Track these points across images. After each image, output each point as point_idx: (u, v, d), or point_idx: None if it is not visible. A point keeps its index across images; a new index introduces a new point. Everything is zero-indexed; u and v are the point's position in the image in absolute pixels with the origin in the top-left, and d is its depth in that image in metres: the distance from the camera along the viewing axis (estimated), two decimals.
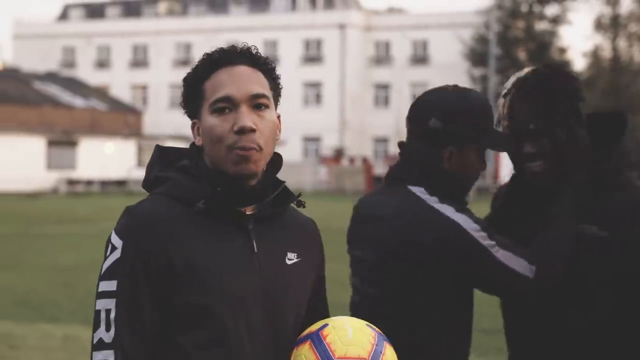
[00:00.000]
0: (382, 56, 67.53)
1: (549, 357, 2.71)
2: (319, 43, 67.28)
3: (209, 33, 68.72)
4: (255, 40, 59.49)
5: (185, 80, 2.30)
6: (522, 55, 57.31)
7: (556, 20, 57.42)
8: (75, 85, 60.26)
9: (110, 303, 2.16)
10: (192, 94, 2.28)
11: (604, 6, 58.69)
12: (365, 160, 53.88)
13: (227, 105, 2.22)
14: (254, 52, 2.31)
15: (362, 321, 2.30)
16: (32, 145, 49.74)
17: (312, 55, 67.19)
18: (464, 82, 61.39)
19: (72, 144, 52.30)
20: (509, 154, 2.77)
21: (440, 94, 2.78)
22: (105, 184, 51.30)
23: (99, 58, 72.75)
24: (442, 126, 2.72)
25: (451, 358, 2.77)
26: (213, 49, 2.32)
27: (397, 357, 2.28)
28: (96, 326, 2.17)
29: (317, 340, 2.22)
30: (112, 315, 2.15)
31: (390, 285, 2.72)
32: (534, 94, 2.67)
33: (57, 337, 9.07)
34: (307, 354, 2.22)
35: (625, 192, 2.64)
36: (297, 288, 2.32)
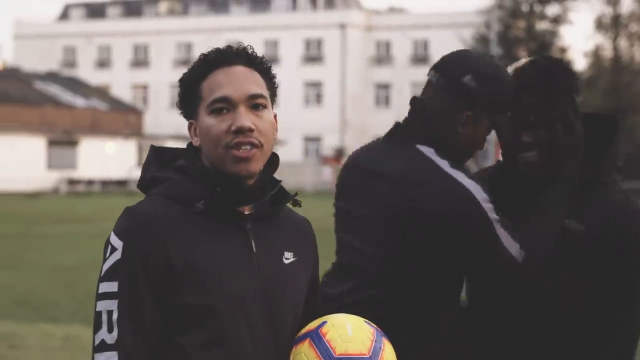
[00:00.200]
0: (382, 56, 67.53)
1: None
2: (319, 43, 67.29)
3: (210, 33, 68.71)
4: (255, 40, 59.70)
5: (181, 80, 2.31)
6: (523, 55, 57.27)
7: (557, 20, 57.40)
8: (76, 85, 60.27)
9: (111, 304, 2.16)
10: (189, 95, 2.29)
11: (604, 6, 58.68)
12: None
13: (224, 106, 2.23)
14: (249, 51, 2.30)
15: (360, 318, 2.31)
16: (33, 145, 49.74)
17: (313, 55, 67.19)
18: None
19: (72, 143, 52.31)
20: (502, 142, 2.78)
21: (479, 56, 2.78)
22: (105, 183, 51.31)
23: (100, 58, 72.76)
24: (476, 86, 2.68)
25: (444, 334, 2.71)
26: (209, 49, 2.32)
27: (394, 340, 2.30)
28: (97, 327, 2.17)
29: (316, 338, 2.23)
30: (114, 316, 2.15)
31: (393, 246, 2.65)
32: (533, 84, 2.68)
33: (57, 337, 9.06)
34: (307, 352, 2.22)
35: (609, 192, 2.70)
36: (295, 287, 2.32)
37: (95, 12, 76.62)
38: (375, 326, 2.30)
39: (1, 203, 35.65)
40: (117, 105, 59.95)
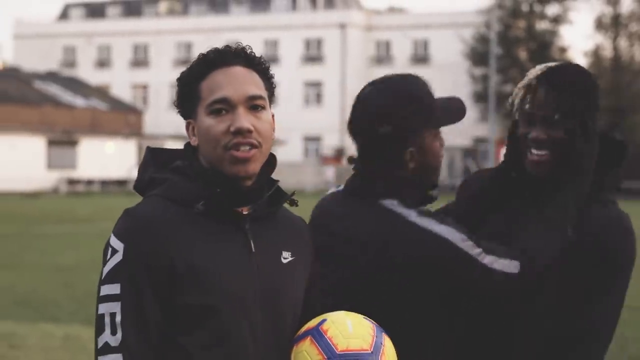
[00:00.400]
0: (382, 56, 67.53)
1: None
2: (319, 43, 67.29)
3: (210, 33, 68.72)
4: (255, 40, 59.72)
5: (179, 80, 2.30)
6: (522, 54, 57.33)
7: (557, 20, 57.43)
8: (76, 85, 60.26)
9: (114, 306, 2.16)
10: (187, 94, 2.29)
11: (604, 6, 58.69)
12: None
13: (224, 107, 2.23)
14: (248, 52, 2.30)
15: (359, 315, 2.31)
16: (33, 145, 49.75)
17: (313, 54, 67.20)
18: (464, 81, 61.57)
19: (72, 143, 52.31)
20: (510, 137, 2.75)
21: (374, 99, 2.63)
22: (105, 183, 51.31)
23: (100, 58, 72.76)
24: (392, 129, 2.57)
25: None
26: (208, 49, 2.32)
27: None
28: (100, 330, 2.16)
29: (317, 336, 2.23)
30: (118, 318, 2.15)
31: (373, 308, 2.49)
32: (564, 85, 2.68)
33: (57, 336, 9.07)
34: (308, 349, 2.23)
35: (607, 209, 2.71)
36: (294, 286, 2.33)
37: (95, 12, 76.63)
38: (374, 322, 2.31)
39: (1, 203, 35.65)
40: (117, 105, 59.95)
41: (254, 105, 2.24)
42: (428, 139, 2.61)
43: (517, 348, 2.71)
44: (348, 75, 65.57)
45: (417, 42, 66.47)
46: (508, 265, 2.53)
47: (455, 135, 56.66)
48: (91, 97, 58.45)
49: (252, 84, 2.26)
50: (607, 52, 59.63)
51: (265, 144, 2.24)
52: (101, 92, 62.43)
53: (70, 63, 72.71)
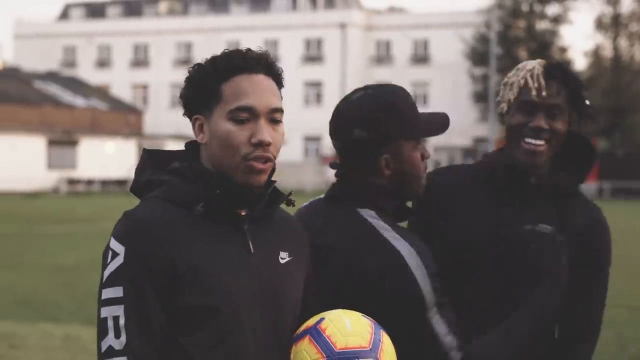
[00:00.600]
0: (382, 55, 67.54)
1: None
2: (319, 42, 67.30)
3: (210, 32, 68.75)
4: (255, 40, 59.67)
5: (195, 75, 2.27)
6: (523, 54, 57.30)
7: (557, 20, 57.45)
8: (76, 85, 60.28)
9: (117, 310, 2.15)
10: (205, 92, 2.25)
11: (604, 6, 58.72)
12: None
13: (247, 116, 2.22)
14: (270, 60, 2.30)
15: (357, 312, 2.32)
16: (33, 145, 49.76)
17: (313, 54, 67.21)
18: (464, 81, 61.65)
19: (72, 143, 52.32)
20: (508, 125, 2.76)
21: (353, 102, 2.59)
22: (105, 183, 51.34)
23: (100, 57, 72.78)
24: (367, 135, 2.54)
25: None
26: (230, 49, 2.30)
27: None
28: (103, 334, 2.15)
29: (316, 335, 2.24)
30: (122, 322, 2.14)
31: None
32: (570, 79, 2.74)
33: (57, 336, 9.07)
34: (307, 348, 2.23)
35: (587, 205, 2.79)
36: (292, 287, 2.33)
37: (95, 12, 76.65)
38: (372, 319, 2.31)
39: (1, 203, 35.66)
40: (117, 105, 59.96)
41: (274, 118, 2.25)
42: (406, 148, 2.57)
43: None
44: (348, 75, 65.57)
45: (417, 42, 66.48)
46: (450, 345, 2.47)
47: (455, 135, 56.70)
48: (91, 97, 58.47)
49: (274, 95, 2.26)
50: (607, 52, 59.66)
51: (277, 156, 2.27)
52: (101, 92, 62.45)
53: (71, 63, 72.73)
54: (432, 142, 59.17)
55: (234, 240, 2.25)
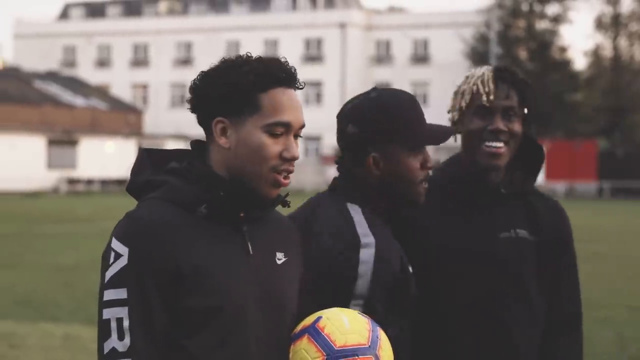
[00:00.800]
0: (382, 55, 67.55)
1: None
2: (319, 42, 67.30)
3: (210, 32, 68.74)
4: (255, 40, 59.71)
5: (230, 78, 2.22)
6: (522, 54, 57.34)
7: (557, 19, 57.45)
8: (76, 85, 60.29)
9: (121, 311, 2.14)
10: (239, 98, 2.22)
11: (604, 5, 58.72)
12: None
13: (283, 131, 2.23)
14: (296, 74, 2.31)
15: (353, 310, 2.34)
16: (33, 145, 49.76)
17: (313, 54, 67.22)
18: None
19: (72, 143, 52.32)
20: (467, 131, 2.81)
21: (357, 99, 2.69)
22: (105, 183, 51.34)
23: (100, 57, 72.78)
24: (358, 131, 2.61)
25: None
26: (265, 57, 2.26)
27: None
28: (106, 336, 2.14)
29: (315, 333, 2.24)
30: (125, 323, 2.13)
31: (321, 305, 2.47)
32: (521, 82, 2.84)
33: (57, 336, 9.07)
34: (306, 347, 2.23)
35: (546, 201, 2.91)
36: (289, 287, 2.34)
37: (95, 12, 76.66)
38: (368, 316, 2.32)
39: (1, 203, 35.66)
40: (117, 105, 59.97)
41: (298, 134, 2.28)
42: (400, 152, 2.61)
43: (516, 336, 2.78)
44: (348, 75, 65.59)
45: (417, 41, 66.48)
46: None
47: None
48: (91, 97, 58.47)
49: (302, 112, 2.29)
50: (607, 52, 59.66)
51: None
52: (101, 92, 62.45)
53: (70, 63, 72.73)
54: None
55: (234, 241, 2.25)
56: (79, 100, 56.37)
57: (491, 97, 2.78)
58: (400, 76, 65.70)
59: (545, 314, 2.83)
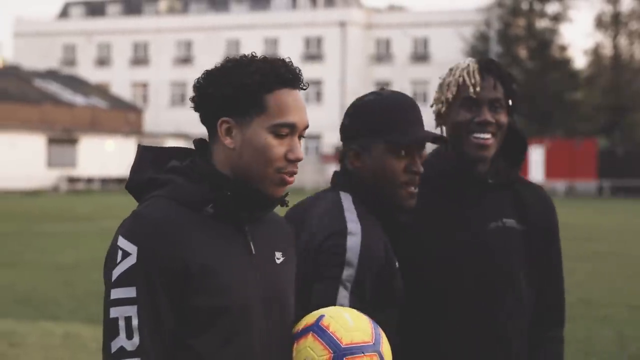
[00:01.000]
0: (382, 54, 67.55)
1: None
2: (319, 41, 67.30)
3: (210, 31, 68.72)
4: (255, 38, 59.59)
5: (236, 78, 2.22)
6: (522, 52, 57.32)
7: (557, 18, 57.41)
8: (76, 83, 60.28)
9: (129, 310, 2.12)
10: (245, 98, 2.22)
11: (604, 4, 58.69)
12: None
13: (288, 132, 2.23)
14: (302, 76, 2.30)
15: (352, 309, 2.34)
16: (33, 143, 49.76)
17: (313, 53, 67.21)
18: None
19: (72, 141, 52.33)
20: (454, 123, 2.81)
21: (363, 96, 2.77)
22: (105, 182, 51.34)
23: (100, 56, 72.78)
24: (348, 124, 2.70)
25: None
26: (273, 59, 2.26)
27: None
28: (113, 334, 2.13)
29: (319, 331, 2.24)
30: (135, 322, 2.12)
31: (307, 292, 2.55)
32: (506, 74, 2.85)
33: (57, 335, 9.08)
34: (312, 345, 2.24)
35: (533, 190, 2.93)
36: (288, 286, 2.35)
37: (95, 10, 76.65)
38: (366, 315, 2.33)
39: (1, 201, 35.67)
40: (117, 104, 59.97)
41: (302, 135, 2.28)
42: (381, 151, 2.65)
43: (510, 320, 2.81)
44: (348, 74, 65.58)
45: (417, 40, 66.48)
46: None
47: None
48: (91, 96, 58.47)
49: (306, 112, 2.29)
50: (607, 51, 59.64)
51: None
52: (101, 91, 62.45)
53: (70, 61, 72.72)
54: None
55: (237, 241, 2.25)
56: (79, 99, 56.37)
57: (478, 89, 2.79)
58: (400, 75, 65.70)
59: (533, 304, 2.85)
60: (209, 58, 64.04)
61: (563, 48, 58.26)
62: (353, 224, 2.58)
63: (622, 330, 9.55)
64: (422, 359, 2.78)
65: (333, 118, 64.17)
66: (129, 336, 2.12)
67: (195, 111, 2.29)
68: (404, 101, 2.71)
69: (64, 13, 78.12)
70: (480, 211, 2.82)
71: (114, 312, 2.13)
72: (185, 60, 69.55)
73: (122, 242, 2.15)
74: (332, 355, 2.21)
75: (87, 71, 69.69)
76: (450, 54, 62.23)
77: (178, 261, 2.15)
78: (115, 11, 75.99)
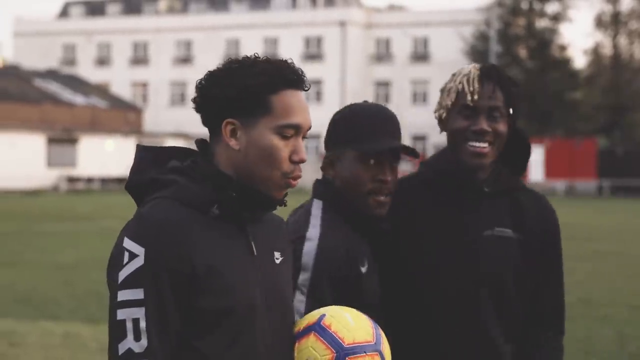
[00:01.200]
0: (382, 53, 67.54)
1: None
2: (319, 40, 67.29)
3: (209, 30, 68.71)
4: (255, 38, 59.61)
5: (241, 79, 2.21)
6: (522, 52, 57.33)
7: (557, 18, 57.43)
8: (76, 83, 60.27)
9: (137, 312, 2.11)
10: (251, 99, 2.21)
11: (604, 3, 58.70)
12: None
13: (293, 133, 2.24)
14: (305, 77, 2.30)
15: (351, 308, 2.35)
16: (33, 143, 49.75)
17: (313, 52, 67.20)
18: None
19: (72, 141, 52.32)
20: (451, 130, 2.80)
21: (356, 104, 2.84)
22: (105, 181, 51.34)
23: (100, 55, 72.77)
24: (327, 132, 2.77)
25: None
26: (276, 60, 2.25)
27: None
28: (121, 336, 2.12)
29: (321, 331, 2.25)
30: (142, 324, 2.11)
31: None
32: (506, 81, 2.81)
33: (57, 334, 9.08)
34: (314, 345, 2.24)
35: (534, 197, 2.90)
36: (287, 286, 2.36)
37: (95, 10, 76.65)
38: (364, 314, 2.34)
39: (1, 201, 35.67)
40: (117, 103, 59.96)
41: (305, 135, 2.29)
42: (349, 157, 2.71)
43: (498, 327, 2.80)
44: (348, 73, 65.58)
45: (417, 39, 66.47)
46: None
47: None
48: (91, 95, 58.46)
49: (309, 113, 2.28)
50: (607, 50, 59.64)
51: None
52: (101, 90, 62.43)
53: (70, 61, 72.71)
54: (432, 140, 59.16)
55: (240, 241, 2.25)
56: (78, 99, 56.36)
57: (475, 97, 2.76)
58: (400, 74, 65.71)
59: (523, 313, 2.82)
60: (208, 58, 64.06)
61: (563, 48, 58.27)
62: (313, 230, 2.63)
63: (622, 330, 9.55)
64: (410, 356, 2.78)
65: None
66: (137, 338, 2.11)
67: (198, 112, 2.28)
68: (378, 112, 2.76)
69: (64, 13, 78.12)
70: (476, 218, 2.80)
71: (121, 314, 2.12)
72: (185, 60, 69.54)
73: (129, 244, 2.14)
74: (335, 354, 2.21)
75: (87, 71, 69.68)
76: (450, 53, 62.26)
77: (185, 262, 2.14)
78: (115, 11, 75.99)
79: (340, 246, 2.61)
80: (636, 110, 57.68)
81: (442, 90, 2.86)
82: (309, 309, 2.47)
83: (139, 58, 71.75)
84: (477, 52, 56.63)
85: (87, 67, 71.06)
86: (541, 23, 57.90)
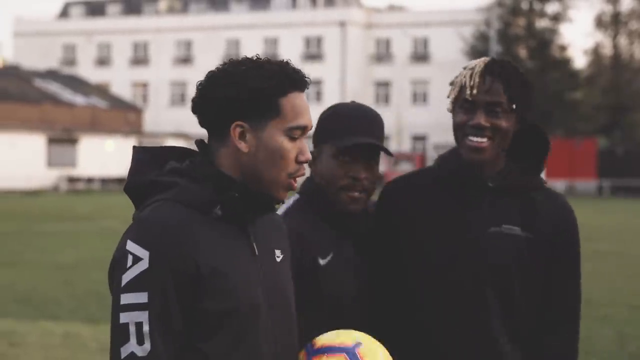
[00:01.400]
0: (382, 54, 67.53)
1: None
2: (319, 40, 67.29)
3: (210, 30, 68.70)
4: (255, 38, 59.55)
5: (251, 81, 2.20)
6: (522, 52, 57.31)
7: (557, 18, 57.41)
8: (76, 83, 60.28)
9: (140, 315, 2.10)
10: (262, 102, 2.21)
11: (604, 4, 58.71)
12: None
13: (300, 134, 2.25)
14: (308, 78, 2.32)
15: (386, 350, 2.38)
16: (33, 143, 49.76)
17: (313, 52, 67.20)
18: None
19: (72, 141, 52.32)
20: (453, 124, 2.80)
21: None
22: (105, 181, 51.35)
23: (100, 55, 72.77)
24: (314, 128, 2.77)
25: None
26: (278, 62, 2.26)
27: None
28: (124, 340, 2.10)
29: (354, 358, 2.28)
30: (146, 328, 2.09)
31: None
32: (509, 75, 2.77)
33: (57, 334, 9.08)
34: None
35: (551, 196, 2.85)
36: (288, 284, 2.36)
37: (95, 10, 76.65)
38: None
39: (1, 201, 35.68)
40: (117, 103, 59.96)
41: (307, 136, 2.31)
42: (327, 152, 2.75)
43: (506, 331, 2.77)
44: (348, 74, 65.58)
45: (417, 40, 66.46)
46: None
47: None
48: (91, 95, 58.47)
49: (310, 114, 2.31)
50: (607, 50, 59.66)
51: None
52: (101, 90, 62.44)
53: (70, 61, 72.71)
54: (432, 141, 59.18)
55: (242, 241, 2.25)
56: (79, 99, 56.36)
57: (474, 92, 2.74)
58: (400, 74, 65.71)
59: (531, 313, 2.79)
60: (209, 58, 64.05)
61: (563, 48, 58.26)
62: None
63: (622, 330, 9.55)
64: (409, 357, 2.77)
65: None
66: (140, 342, 2.10)
67: (196, 113, 2.26)
68: (358, 111, 2.78)
69: (64, 13, 78.12)
70: (480, 215, 2.78)
71: (124, 317, 2.11)
72: (185, 60, 69.54)
73: (132, 247, 2.12)
74: None
75: (87, 71, 69.68)
76: (450, 53, 62.26)
77: (190, 264, 2.13)
78: (115, 11, 75.99)
79: (294, 229, 2.59)
80: (636, 110, 57.69)
81: (451, 84, 2.85)
82: None
83: (139, 58, 71.75)
84: (477, 52, 56.59)
85: (87, 67, 71.07)
86: (541, 23, 57.88)
